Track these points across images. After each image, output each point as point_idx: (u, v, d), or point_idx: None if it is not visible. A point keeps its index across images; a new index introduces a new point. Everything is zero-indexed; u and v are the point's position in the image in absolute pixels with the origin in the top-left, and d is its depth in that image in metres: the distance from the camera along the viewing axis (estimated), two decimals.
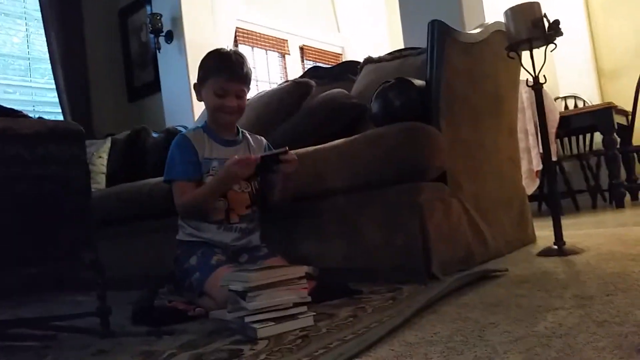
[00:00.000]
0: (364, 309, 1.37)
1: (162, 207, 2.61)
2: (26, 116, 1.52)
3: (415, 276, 1.67)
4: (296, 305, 1.29)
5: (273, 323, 1.24)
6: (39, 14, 4.23)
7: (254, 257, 1.81)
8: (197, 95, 1.89)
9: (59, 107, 4.24)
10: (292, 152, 1.74)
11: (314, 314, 1.31)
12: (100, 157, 3.36)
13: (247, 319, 1.25)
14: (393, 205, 1.76)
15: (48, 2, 4.21)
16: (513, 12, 1.98)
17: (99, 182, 3.25)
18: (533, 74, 1.98)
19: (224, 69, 1.80)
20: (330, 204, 1.92)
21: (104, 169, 3.34)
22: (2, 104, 1.51)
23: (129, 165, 3.24)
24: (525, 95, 3.73)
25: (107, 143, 3.47)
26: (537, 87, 1.98)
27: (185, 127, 3.58)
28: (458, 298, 1.41)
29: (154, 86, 4.52)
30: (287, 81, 3.01)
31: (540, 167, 3.76)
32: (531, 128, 3.85)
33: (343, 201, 1.87)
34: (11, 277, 1.63)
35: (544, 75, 1.98)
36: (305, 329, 1.24)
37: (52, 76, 4.24)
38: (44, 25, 4.22)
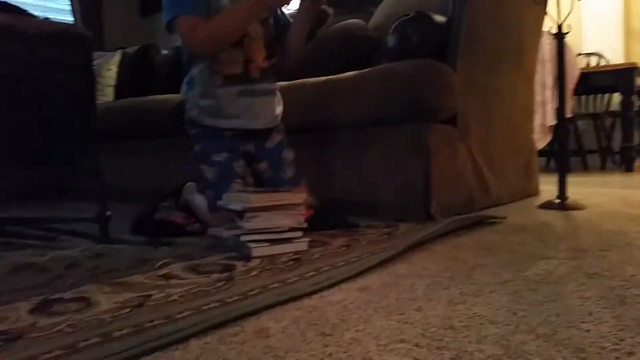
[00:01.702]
0: (358, 240, 1.39)
1: (168, 124, 2.60)
2: (32, 15, 1.48)
3: (414, 215, 1.68)
4: (292, 229, 1.30)
5: (268, 244, 1.26)
6: None
7: (277, 178, 1.65)
8: None
9: (70, 16, 4.15)
10: (301, 80, 1.67)
11: (309, 240, 1.33)
12: (109, 69, 3.31)
13: (242, 238, 1.27)
14: (399, 143, 1.75)
15: None
16: None
17: (107, 94, 3.23)
18: (558, 21, 1.91)
19: None
20: (336, 136, 1.91)
21: (113, 82, 3.30)
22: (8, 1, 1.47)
23: (137, 80, 3.20)
24: (547, 47, 3.61)
25: (117, 56, 3.41)
26: (560, 36, 1.91)
27: None
28: (453, 239, 1.42)
29: None
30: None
31: (554, 122, 3.70)
32: (549, 82, 3.76)
33: (349, 135, 1.85)
34: (13, 179, 1.65)
35: (569, 25, 1.90)
36: (298, 253, 1.26)
37: None
38: None
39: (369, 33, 2.23)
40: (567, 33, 1.91)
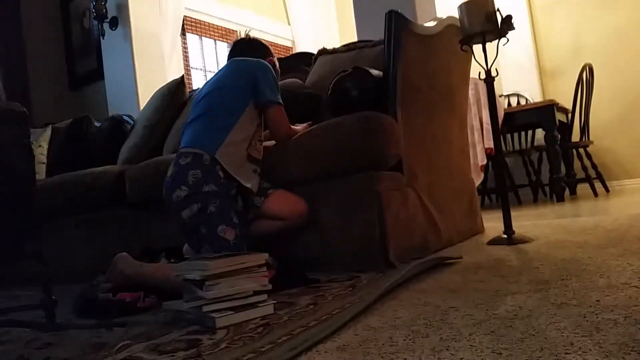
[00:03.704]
0: (323, 297, 1.36)
1: (108, 196, 2.51)
2: None
3: (373, 264, 1.67)
4: (256, 293, 1.25)
5: (232, 312, 1.21)
6: None
7: (261, 189, 1.83)
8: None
9: None
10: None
11: (274, 302, 1.28)
12: (40, 146, 3.19)
13: (204, 309, 1.21)
14: (351, 194, 1.76)
15: None
16: (467, 6, 2.01)
17: (39, 172, 3.09)
18: (486, 67, 2.02)
19: None
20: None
21: (44, 159, 3.17)
22: None
23: (71, 155, 3.09)
24: (471, 92, 3.82)
25: (47, 132, 3.30)
26: (489, 79, 2.02)
27: (130, 117, 3.45)
28: (416, 284, 1.42)
29: (97, 74, 4.34)
30: None
31: (485, 161, 3.87)
32: (476, 124, 3.95)
33: (304, 191, 1.85)
34: None
35: (496, 69, 2.02)
36: (265, 317, 1.21)
37: None
38: None
39: (309, 90, 2.27)
40: (495, 77, 2.02)
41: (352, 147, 1.74)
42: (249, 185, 1.77)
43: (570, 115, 4.31)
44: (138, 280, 1.67)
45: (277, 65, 2.07)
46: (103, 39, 4.20)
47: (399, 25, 1.92)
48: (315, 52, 2.65)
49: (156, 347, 1.08)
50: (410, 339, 0.93)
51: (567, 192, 4.37)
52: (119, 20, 4.11)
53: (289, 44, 6.35)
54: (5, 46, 4.03)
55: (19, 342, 1.26)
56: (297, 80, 2.39)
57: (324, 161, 1.80)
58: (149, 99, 3.15)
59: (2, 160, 1.30)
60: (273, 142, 1.95)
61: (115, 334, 1.25)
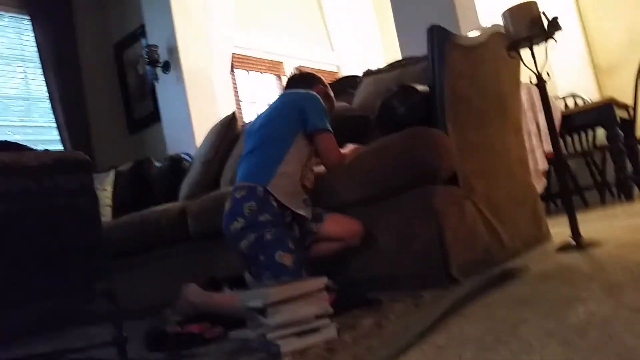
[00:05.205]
0: (387, 317, 1.34)
1: (170, 233, 2.59)
2: (31, 149, 1.50)
3: (435, 281, 1.64)
4: (318, 317, 1.25)
5: (296, 337, 1.21)
6: (36, 55, 4.27)
7: (315, 215, 1.84)
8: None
9: (60, 144, 4.25)
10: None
11: (337, 326, 1.28)
12: (105, 189, 3.34)
13: (268, 336, 1.22)
14: (407, 211, 1.74)
15: (44, 42, 4.26)
16: (511, 13, 1.98)
17: (105, 214, 3.24)
18: (536, 71, 1.97)
19: None
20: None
21: (109, 202, 3.32)
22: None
23: (135, 196, 3.22)
24: (524, 97, 3.72)
25: (111, 175, 3.46)
26: (541, 83, 1.97)
27: (188, 154, 3.57)
28: (482, 299, 1.38)
29: (154, 116, 4.53)
30: None
31: (546, 166, 3.74)
32: (533, 129, 3.84)
33: (359, 211, 1.85)
34: (25, 314, 1.60)
35: (547, 72, 1.97)
36: (329, 342, 1.21)
37: (51, 115, 4.26)
38: (42, 66, 4.26)
39: (357, 113, 2.29)
40: (547, 80, 1.97)
41: (403, 164, 1.73)
42: (302, 212, 1.79)
43: (632, 110, 4.12)
44: (205, 310, 1.71)
45: (330, 92, 2.11)
46: (157, 82, 4.39)
47: (441, 39, 1.91)
48: (360, 74, 2.67)
49: None
50: (479, 356, 0.91)
51: (635, 190, 4.15)
52: (171, 63, 4.28)
53: (334, 69, 6.42)
54: (67, 94, 4.27)
55: None
56: (344, 103, 2.41)
57: (376, 181, 1.79)
58: (204, 136, 3.26)
59: (69, 206, 1.38)
60: (324, 168, 1.97)
61: None
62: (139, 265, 2.73)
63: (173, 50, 4.28)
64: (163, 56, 4.32)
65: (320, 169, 1.98)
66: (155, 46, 4.30)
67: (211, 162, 2.99)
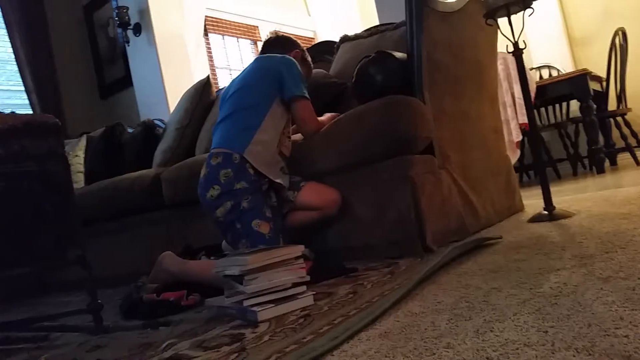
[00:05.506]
0: (362, 285, 1.35)
1: (143, 200, 2.56)
2: None
3: (411, 250, 1.66)
4: (295, 285, 1.26)
5: (273, 305, 1.21)
6: (0, 18, 4.09)
7: (293, 183, 1.85)
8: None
9: (29, 109, 4.12)
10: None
11: (314, 293, 1.29)
12: (76, 155, 3.27)
13: (245, 303, 1.22)
14: (384, 181, 1.74)
15: (9, 5, 4.08)
16: None
17: (77, 181, 3.17)
18: (513, 39, 1.96)
19: None
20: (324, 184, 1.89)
21: (82, 168, 3.25)
22: None
23: (106, 162, 3.16)
24: (500, 67, 3.73)
25: (83, 141, 3.37)
26: (518, 52, 1.96)
27: (161, 120, 3.50)
28: (456, 267, 1.40)
29: (126, 81, 4.42)
30: None
31: (520, 138, 3.77)
32: (508, 100, 3.85)
33: (335, 180, 1.84)
34: None
35: (524, 41, 1.97)
36: (306, 309, 1.22)
37: (19, 78, 4.12)
38: (7, 29, 4.10)
39: (334, 80, 2.26)
40: (523, 49, 1.97)
41: (380, 133, 1.72)
42: (279, 181, 1.77)
43: (605, 83, 4.17)
44: (182, 277, 1.70)
45: (307, 57, 2.07)
46: (128, 45, 4.26)
47: (419, 4, 1.88)
48: (337, 40, 2.63)
49: (201, 344, 1.09)
50: (452, 323, 0.92)
51: (607, 163, 4.24)
52: (142, 25, 4.16)
53: (310, 35, 6.33)
54: (35, 58, 4.13)
55: (71, 346, 1.30)
56: (321, 70, 2.38)
57: (353, 150, 1.79)
58: (177, 101, 3.19)
59: (39, 172, 1.34)
60: (301, 136, 1.95)
61: (161, 333, 1.28)
62: (112, 233, 2.70)
63: (144, 11, 4.16)
64: (134, 18, 4.19)
65: (298, 136, 1.96)
66: (126, 7, 4.17)
67: (185, 129, 2.94)
